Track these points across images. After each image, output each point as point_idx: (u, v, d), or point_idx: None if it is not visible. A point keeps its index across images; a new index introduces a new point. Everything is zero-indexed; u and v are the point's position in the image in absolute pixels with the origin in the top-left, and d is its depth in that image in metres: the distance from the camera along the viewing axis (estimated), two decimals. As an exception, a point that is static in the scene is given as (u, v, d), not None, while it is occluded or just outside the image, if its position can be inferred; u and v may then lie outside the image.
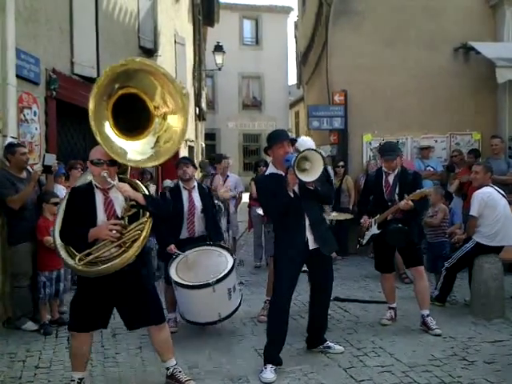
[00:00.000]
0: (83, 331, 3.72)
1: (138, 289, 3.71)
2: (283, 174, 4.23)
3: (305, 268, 4.52)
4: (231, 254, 5.14)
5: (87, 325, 3.71)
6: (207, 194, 5.47)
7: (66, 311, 5.72)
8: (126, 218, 3.62)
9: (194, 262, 5.02)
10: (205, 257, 5.10)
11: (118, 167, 3.69)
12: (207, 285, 4.72)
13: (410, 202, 4.90)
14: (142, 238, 3.61)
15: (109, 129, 3.57)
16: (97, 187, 3.67)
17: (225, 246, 5.29)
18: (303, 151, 3.99)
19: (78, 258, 3.52)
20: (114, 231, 3.51)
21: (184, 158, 6.26)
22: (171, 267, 5.00)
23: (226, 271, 4.85)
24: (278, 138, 4.37)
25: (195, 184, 5.43)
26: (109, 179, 3.56)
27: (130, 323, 3.84)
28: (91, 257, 3.53)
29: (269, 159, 4.98)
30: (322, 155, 4.07)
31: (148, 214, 3.67)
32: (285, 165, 4.16)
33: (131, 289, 3.68)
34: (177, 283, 4.86)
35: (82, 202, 3.63)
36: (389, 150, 5.17)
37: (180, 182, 5.41)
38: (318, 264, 4.39)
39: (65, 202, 3.77)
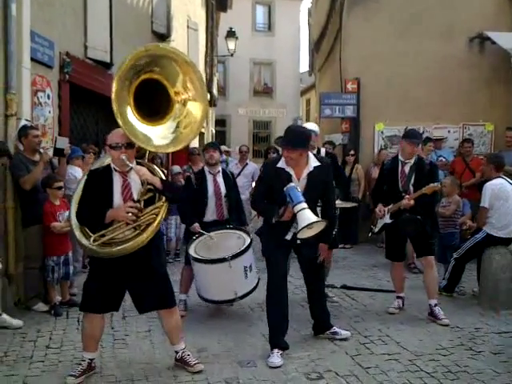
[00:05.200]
0: (94, 312, 3.77)
1: (150, 272, 3.75)
2: (290, 173, 4.18)
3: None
4: (249, 235, 5.24)
5: (98, 306, 3.76)
6: (231, 180, 5.60)
7: (76, 293, 5.80)
8: (142, 202, 3.65)
9: (214, 243, 5.14)
10: (225, 239, 5.22)
11: (136, 150, 3.71)
12: (223, 259, 4.83)
13: (412, 202, 4.94)
14: (156, 222, 3.64)
15: (131, 114, 3.58)
16: (115, 170, 3.70)
17: (244, 229, 5.36)
18: (312, 223, 3.86)
19: (92, 238, 3.58)
20: (131, 213, 3.56)
21: (212, 142, 6.69)
22: (191, 246, 5.14)
23: (242, 248, 4.96)
24: (302, 142, 4.08)
25: (219, 169, 5.57)
26: (127, 162, 3.59)
27: (141, 306, 3.88)
28: (106, 238, 3.58)
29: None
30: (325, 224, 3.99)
31: (164, 198, 3.70)
32: (287, 196, 4.00)
33: (143, 272, 3.72)
34: (194, 258, 5.00)
35: (99, 183, 3.67)
36: (413, 135, 5.18)
37: (205, 167, 5.56)
38: (306, 255, 4.42)
39: (82, 183, 3.82)
